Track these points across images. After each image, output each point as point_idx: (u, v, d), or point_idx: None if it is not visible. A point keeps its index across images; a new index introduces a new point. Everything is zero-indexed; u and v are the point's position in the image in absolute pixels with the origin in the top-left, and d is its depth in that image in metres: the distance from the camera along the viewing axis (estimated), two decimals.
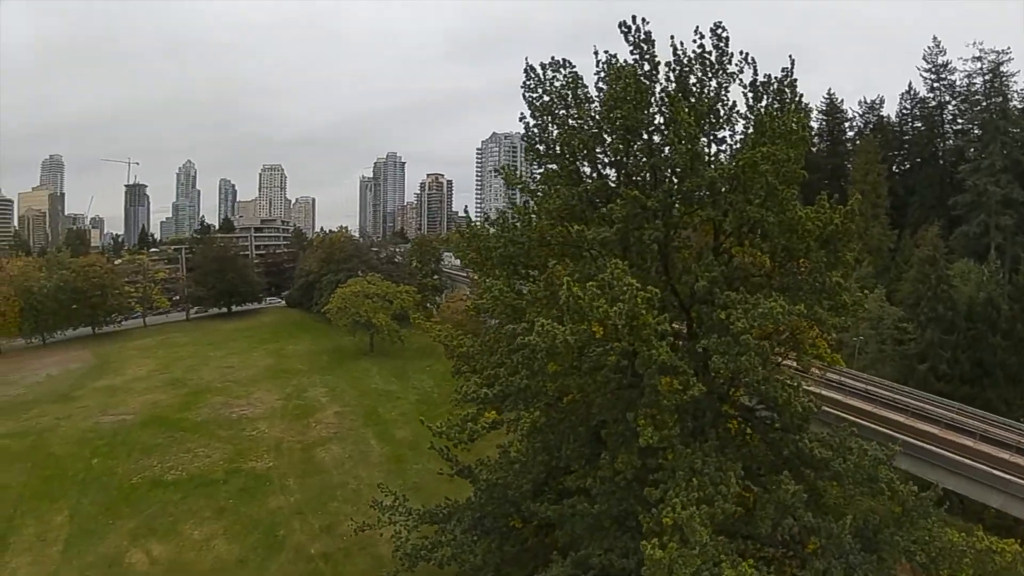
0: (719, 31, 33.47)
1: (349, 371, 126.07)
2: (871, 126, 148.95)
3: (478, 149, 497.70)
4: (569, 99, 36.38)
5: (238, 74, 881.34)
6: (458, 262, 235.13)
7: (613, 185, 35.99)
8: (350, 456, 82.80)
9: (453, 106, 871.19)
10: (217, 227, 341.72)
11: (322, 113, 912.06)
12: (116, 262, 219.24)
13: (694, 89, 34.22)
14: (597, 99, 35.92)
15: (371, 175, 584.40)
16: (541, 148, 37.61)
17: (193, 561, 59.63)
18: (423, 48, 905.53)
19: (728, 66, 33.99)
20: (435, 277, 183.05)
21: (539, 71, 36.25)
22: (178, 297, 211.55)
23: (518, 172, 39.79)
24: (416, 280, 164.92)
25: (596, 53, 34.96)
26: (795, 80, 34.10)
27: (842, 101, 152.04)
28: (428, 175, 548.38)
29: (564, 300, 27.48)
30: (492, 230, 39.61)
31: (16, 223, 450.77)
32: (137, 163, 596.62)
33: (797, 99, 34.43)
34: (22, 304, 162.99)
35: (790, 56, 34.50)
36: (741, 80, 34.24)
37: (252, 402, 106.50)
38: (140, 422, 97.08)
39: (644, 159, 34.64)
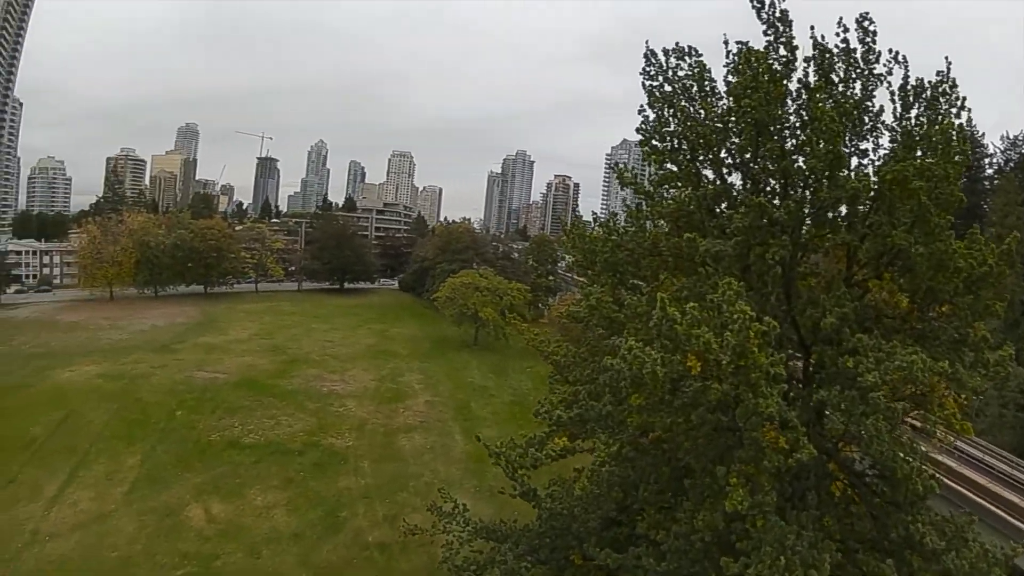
0: (865, 23, 26.90)
1: (449, 361, 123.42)
2: (1012, 164, 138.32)
3: (607, 155, 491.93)
4: (693, 91, 29.85)
5: (373, 62, 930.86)
6: None
7: (736, 192, 29.44)
8: (431, 448, 79.26)
9: (587, 109, 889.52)
10: (340, 206, 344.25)
11: (455, 106, 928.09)
12: (237, 228, 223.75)
13: (837, 87, 27.87)
14: (724, 96, 29.13)
15: (499, 171, 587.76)
16: (658, 143, 30.52)
17: (249, 526, 58.01)
18: (562, 48, 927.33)
19: (875, 65, 27.29)
20: (550, 278, 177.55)
21: (661, 57, 29.82)
22: (293, 268, 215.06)
23: (635, 175, 33.23)
24: (531, 279, 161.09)
25: (726, 42, 28.40)
26: (955, 82, 27.07)
27: (983, 135, 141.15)
28: (556, 176, 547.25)
29: (656, 322, 21.48)
30: (600, 231, 33.57)
31: (148, 182, 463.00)
32: (271, 138, 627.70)
33: (958, 104, 27.13)
34: (139, 257, 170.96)
35: (946, 58, 27.46)
36: (889, 83, 27.48)
37: (346, 379, 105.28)
38: (232, 382, 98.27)
39: (774, 163, 27.73)
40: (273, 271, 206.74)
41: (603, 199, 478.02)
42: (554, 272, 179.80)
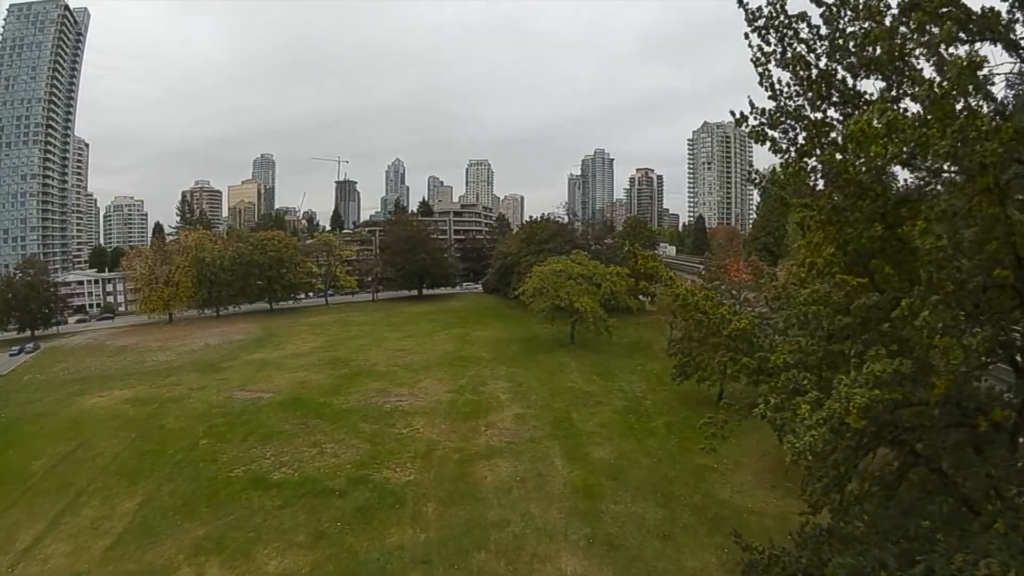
0: None
1: (541, 364, 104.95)
2: None
3: (689, 140, 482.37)
4: None
5: (445, 79, 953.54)
6: (672, 251, 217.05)
7: None
8: (522, 479, 59.87)
9: (659, 105, 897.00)
10: (416, 211, 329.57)
11: (528, 115, 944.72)
12: (307, 242, 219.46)
13: None
14: None
15: (579, 172, 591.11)
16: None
17: None
18: (624, 48, 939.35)
19: None
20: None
21: None
22: (370, 279, 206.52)
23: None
24: (630, 266, 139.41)
25: None
26: None
27: None
28: (637, 170, 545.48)
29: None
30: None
31: (226, 212, 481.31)
32: (347, 161, 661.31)
33: None
34: (196, 275, 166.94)
35: None
36: None
37: (415, 392, 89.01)
38: (276, 402, 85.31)
39: None
40: (344, 282, 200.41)
41: (689, 187, 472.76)
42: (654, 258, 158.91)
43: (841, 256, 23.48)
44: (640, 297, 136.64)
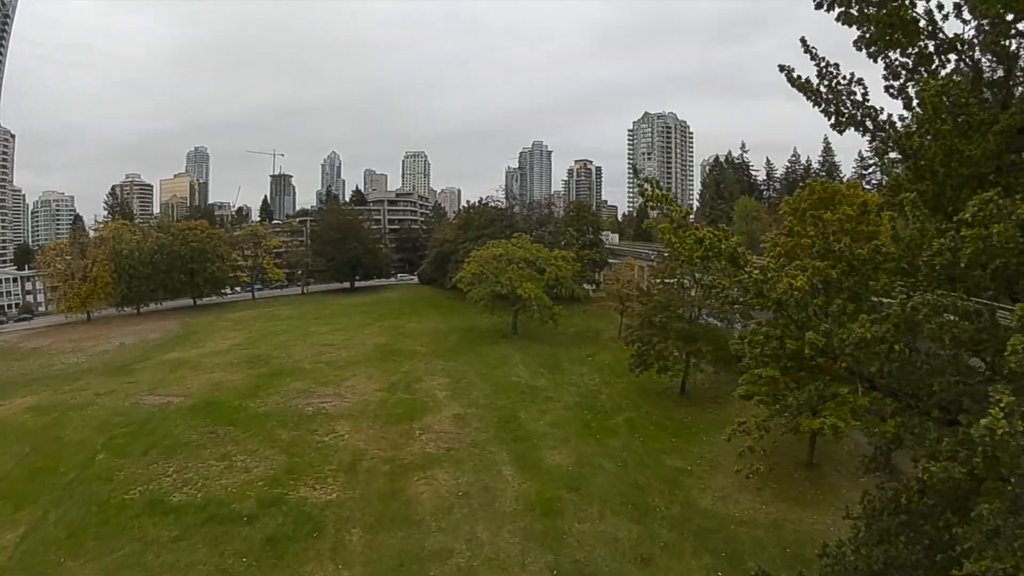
0: None
1: (482, 357, 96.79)
2: None
3: (629, 130, 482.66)
4: None
5: (384, 72, 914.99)
6: (616, 239, 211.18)
7: None
8: (465, 494, 50.99)
9: (601, 101, 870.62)
10: (348, 200, 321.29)
11: (469, 109, 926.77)
12: (235, 233, 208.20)
13: None
14: None
15: (516, 165, 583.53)
16: None
17: None
18: (571, 43, 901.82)
19: None
20: (595, 249, 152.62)
21: None
22: (301, 272, 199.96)
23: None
24: (573, 252, 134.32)
25: None
26: None
27: None
28: (576, 161, 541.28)
29: None
30: None
31: (158, 208, 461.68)
32: (282, 155, 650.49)
33: None
34: (114, 269, 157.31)
35: None
36: None
37: (342, 391, 79.48)
38: (186, 407, 75.02)
39: None
40: (272, 274, 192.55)
41: (628, 178, 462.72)
42: (599, 243, 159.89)
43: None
44: (585, 284, 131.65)
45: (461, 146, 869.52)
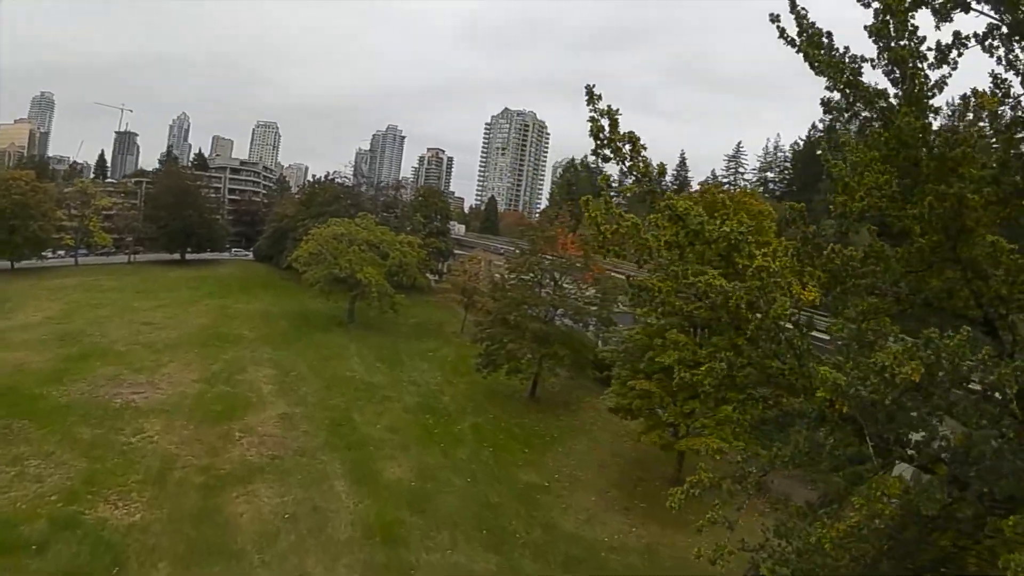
0: None
1: (315, 347, 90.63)
2: None
3: (487, 124, 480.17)
4: None
5: (243, 37, 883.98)
6: (463, 229, 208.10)
7: None
8: (292, 516, 44.47)
9: (462, 94, 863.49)
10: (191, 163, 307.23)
11: (327, 87, 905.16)
12: (66, 190, 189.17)
13: None
14: None
15: (368, 148, 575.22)
16: None
17: None
18: (440, 32, 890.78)
19: None
20: (442, 238, 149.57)
21: None
22: (131, 239, 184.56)
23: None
24: (419, 238, 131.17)
25: None
26: None
27: None
28: (428, 149, 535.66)
29: None
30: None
31: None
32: (131, 111, 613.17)
33: None
34: None
35: None
36: None
37: (156, 380, 70.37)
38: None
39: None
40: (98, 238, 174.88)
41: (480, 172, 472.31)
42: (445, 231, 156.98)
43: None
44: (428, 274, 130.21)
45: (314, 122, 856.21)
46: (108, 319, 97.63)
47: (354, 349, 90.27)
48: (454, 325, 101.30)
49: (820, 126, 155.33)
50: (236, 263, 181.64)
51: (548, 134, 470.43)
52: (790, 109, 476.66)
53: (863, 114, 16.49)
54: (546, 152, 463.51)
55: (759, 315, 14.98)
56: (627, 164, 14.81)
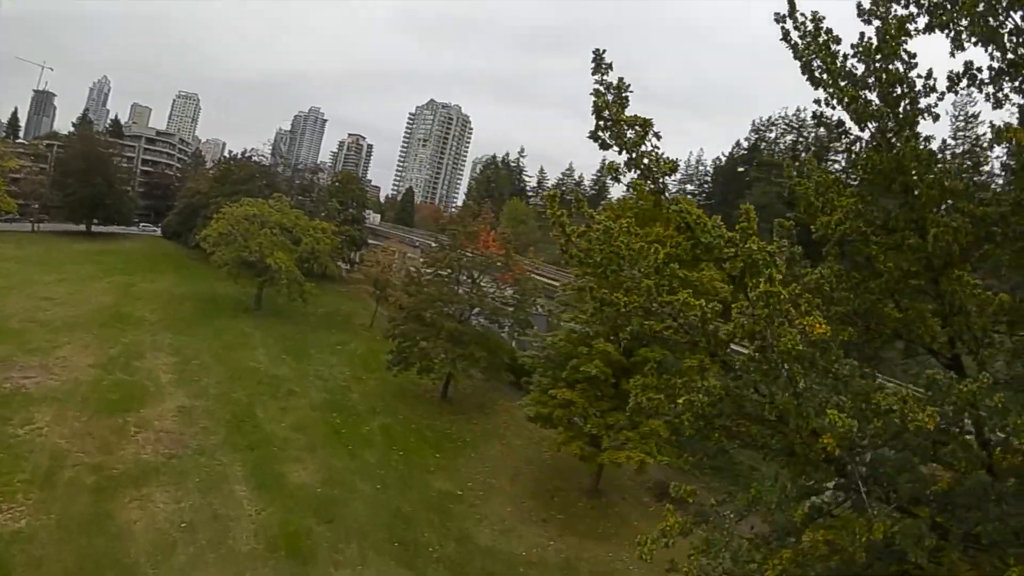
0: None
1: (219, 333, 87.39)
2: None
3: (411, 114, 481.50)
4: None
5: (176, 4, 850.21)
6: (378, 219, 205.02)
7: None
8: (190, 525, 41.50)
9: (388, 82, 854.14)
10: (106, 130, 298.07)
11: (253, 62, 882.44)
12: None
13: None
14: None
15: (289, 128, 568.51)
16: None
17: None
18: (373, 16, 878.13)
19: None
20: (356, 226, 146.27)
21: None
22: (37, 206, 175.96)
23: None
24: (334, 224, 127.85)
25: None
26: None
27: None
28: (349, 135, 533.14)
29: None
30: None
31: None
32: (51, 69, 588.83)
33: None
34: None
35: None
36: None
37: (50, 364, 65.90)
38: None
39: None
40: (2, 203, 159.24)
41: (400, 162, 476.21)
42: (361, 219, 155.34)
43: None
44: (340, 263, 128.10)
45: (238, 98, 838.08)
46: (5, 291, 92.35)
47: (260, 338, 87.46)
48: (364, 317, 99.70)
49: (745, 144, 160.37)
50: (144, 239, 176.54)
51: (471, 129, 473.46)
52: (715, 128, 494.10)
53: (854, 134, 15.52)
54: (468, 147, 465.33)
55: (761, 345, 13.58)
56: (632, 154, 12.84)
